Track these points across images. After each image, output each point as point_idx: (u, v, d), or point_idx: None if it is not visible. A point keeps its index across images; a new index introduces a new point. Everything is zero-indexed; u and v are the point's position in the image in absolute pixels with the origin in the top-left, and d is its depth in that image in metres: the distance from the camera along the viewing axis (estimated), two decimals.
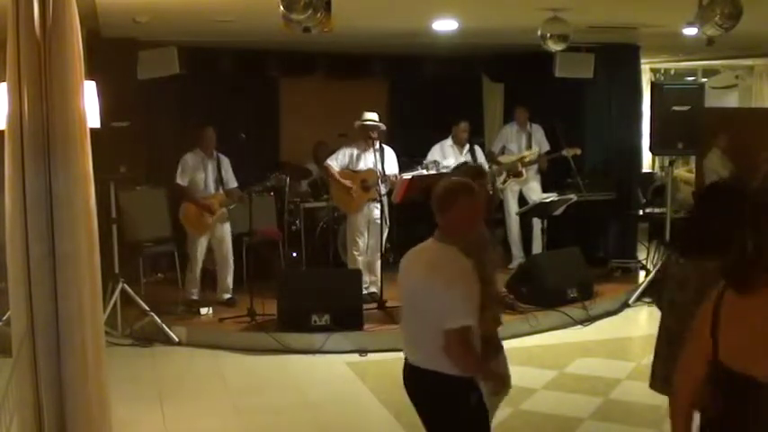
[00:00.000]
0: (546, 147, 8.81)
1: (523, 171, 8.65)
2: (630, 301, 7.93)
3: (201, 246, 7.41)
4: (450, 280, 3.02)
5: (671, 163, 8.74)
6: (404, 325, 3.31)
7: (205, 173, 7.40)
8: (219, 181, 7.47)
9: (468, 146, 8.07)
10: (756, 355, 2.11)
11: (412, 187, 7.01)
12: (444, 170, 7.53)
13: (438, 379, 3.08)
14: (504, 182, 8.64)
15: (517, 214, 8.65)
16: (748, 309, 2.15)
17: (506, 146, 9.02)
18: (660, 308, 3.48)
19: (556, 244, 7.99)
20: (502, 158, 8.88)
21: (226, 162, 7.55)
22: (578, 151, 8.46)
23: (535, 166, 8.75)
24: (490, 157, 8.91)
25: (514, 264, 8.55)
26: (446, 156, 7.92)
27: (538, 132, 8.89)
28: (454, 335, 2.97)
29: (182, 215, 7.41)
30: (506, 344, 4.26)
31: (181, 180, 7.34)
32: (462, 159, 7.94)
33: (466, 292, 3.02)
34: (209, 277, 7.63)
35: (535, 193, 8.67)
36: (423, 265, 3.17)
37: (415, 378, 3.21)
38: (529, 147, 8.81)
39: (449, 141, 8.10)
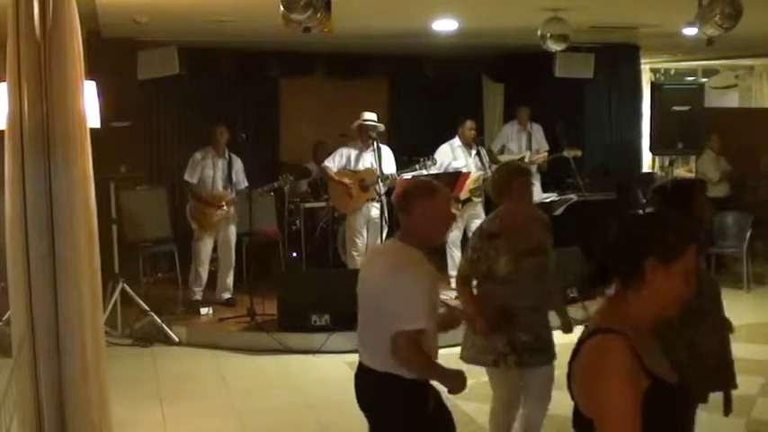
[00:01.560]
0: (545, 146, 8.80)
1: None
2: None
3: (207, 245, 7.43)
4: (406, 281, 2.93)
5: (671, 163, 8.75)
6: (360, 326, 3.18)
7: (214, 171, 7.42)
8: (229, 180, 7.48)
9: (475, 147, 8.06)
10: None
11: None
12: (442, 171, 7.53)
13: (396, 383, 2.96)
14: None
15: None
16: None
17: (506, 145, 9.03)
18: None
19: (556, 244, 7.97)
20: (501, 158, 8.88)
21: (238, 162, 7.57)
22: (579, 152, 8.44)
23: (535, 166, 8.74)
24: (490, 156, 8.91)
25: None
26: (456, 157, 7.88)
27: (538, 132, 8.88)
28: (404, 337, 2.88)
29: (188, 212, 7.43)
30: None
31: (189, 177, 7.37)
32: (472, 161, 7.92)
33: (422, 294, 2.92)
34: (210, 277, 7.63)
35: (535, 192, 8.66)
36: (382, 266, 3.07)
37: (370, 382, 3.08)
38: (529, 146, 8.81)
39: (457, 142, 7.99)
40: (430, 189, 3.07)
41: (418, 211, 2.99)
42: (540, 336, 3.96)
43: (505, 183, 3.98)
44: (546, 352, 4.00)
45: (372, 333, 3.04)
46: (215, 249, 7.54)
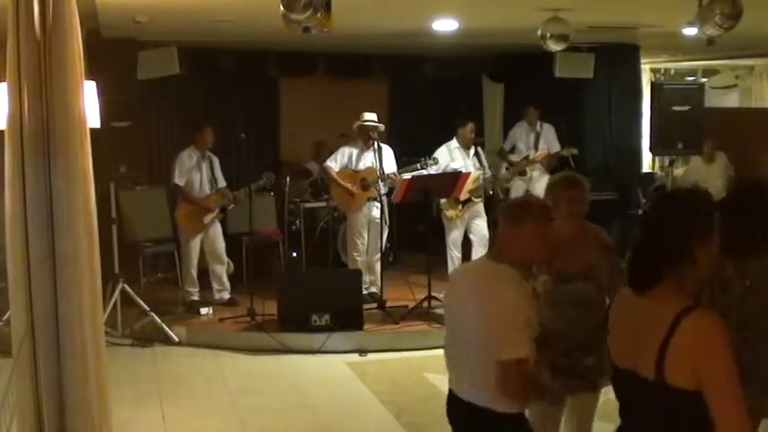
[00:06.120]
0: (556, 147, 8.76)
1: (527, 170, 8.68)
2: None
3: (196, 246, 7.41)
4: (507, 306, 2.74)
5: (671, 163, 8.73)
6: (449, 352, 2.99)
7: (200, 173, 7.41)
8: (213, 181, 7.48)
9: (473, 148, 8.08)
10: (637, 354, 2.21)
11: (412, 187, 7.02)
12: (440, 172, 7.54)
13: (489, 417, 2.80)
14: (510, 180, 8.65)
15: None
16: (637, 307, 2.25)
17: (516, 145, 9.05)
18: None
19: None
20: (512, 157, 8.92)
21: (216, 161, 7.57)
22: (575, 151, 8.43)
23: (543, 165, 8.75)
24: (502, 155, 8.95)
25: None
26: (454, 158, 7.87)
27: (549, 133, 8.87)
28: (508, 367, 2.68)
29: (177, 215, 7.42)
30: None
31: (179, 180, 7.33)
32: (470, 162, 7.93)
33: (524, 319, 2.73)
34: (208, 277, 7.62)
35: (540, 191, 8.67)
36: (476, 288, 2.86)
37: (462, 413, 2.91)
38: (536, 146, 8.83)
39: (454, 143, 7.95)
40: (546, 211, 2.93)
41: (528, 230, 2.83)
42: (580, 362, 3.53)
43: (554, 195, 3.64)
44: (585, 379, 3.56)
45: (463, 361, 2.87)
46: (202, 249, 7.51)
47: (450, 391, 2.98)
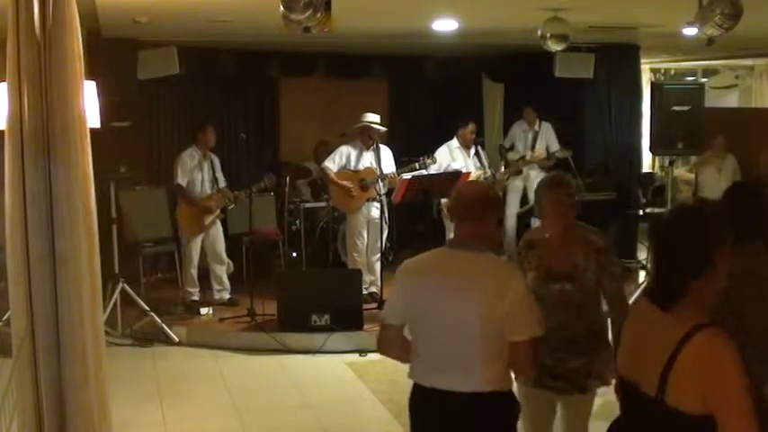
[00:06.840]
0: (556, 146, 8.76)
1: (523, 169, 8.68)
2: (631, 301, 7.93)
3: (197, 246, 7.42)
4: (520, 290, 2.84)
5: (671, 163, 8.73)
6: (432, 350, 2.94)
7: (202, 173, 7.41)
8: (214, 181, 7.48)
9: (474, 148, 8.07)
10: (642, 368, 2.17)
11: (412, 187, 7.02)
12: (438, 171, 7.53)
13: (496, 399, 2.86)
14: (507, 179, 8.65)
15: (517, 214, 8.66)
16: (653, 320, 2.19)
17: (515, 143, 9.06)
18: None
19: None
20: (510, 155, 8.92)
21: (217, 161, 7.59)
22: (570, 153, 8.44)
23: (541, 165, 8.75)
24: (501, 153, 8.95)
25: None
26: (455, 158, 7.88)
27: (548, 132, 8.88)
28: (526, 346, 2.81)
29: (179, 215, 7.42)
30: None
31: (181, 181, 7.33)
32: (471, 161, 7.92)
33: (532, 299, 2.87)
34: (208, 277, 7.62)
35: None
36: (478, 276, 2.86)
37: (464, 407, 2.85)
38: (533, 146, 8.83)
39: (455, 143, 7.99)
40: (499, 199, 3.16)
41: (492, 219, 2.99)
42: (564, 362, 3.51)
43: (539, 197, 3.64)
44: (571, 381, 3.55)
45: (459, 354, 2.85)
46: (203, 248, 7.51)
47: (423, 388, 3.00)
